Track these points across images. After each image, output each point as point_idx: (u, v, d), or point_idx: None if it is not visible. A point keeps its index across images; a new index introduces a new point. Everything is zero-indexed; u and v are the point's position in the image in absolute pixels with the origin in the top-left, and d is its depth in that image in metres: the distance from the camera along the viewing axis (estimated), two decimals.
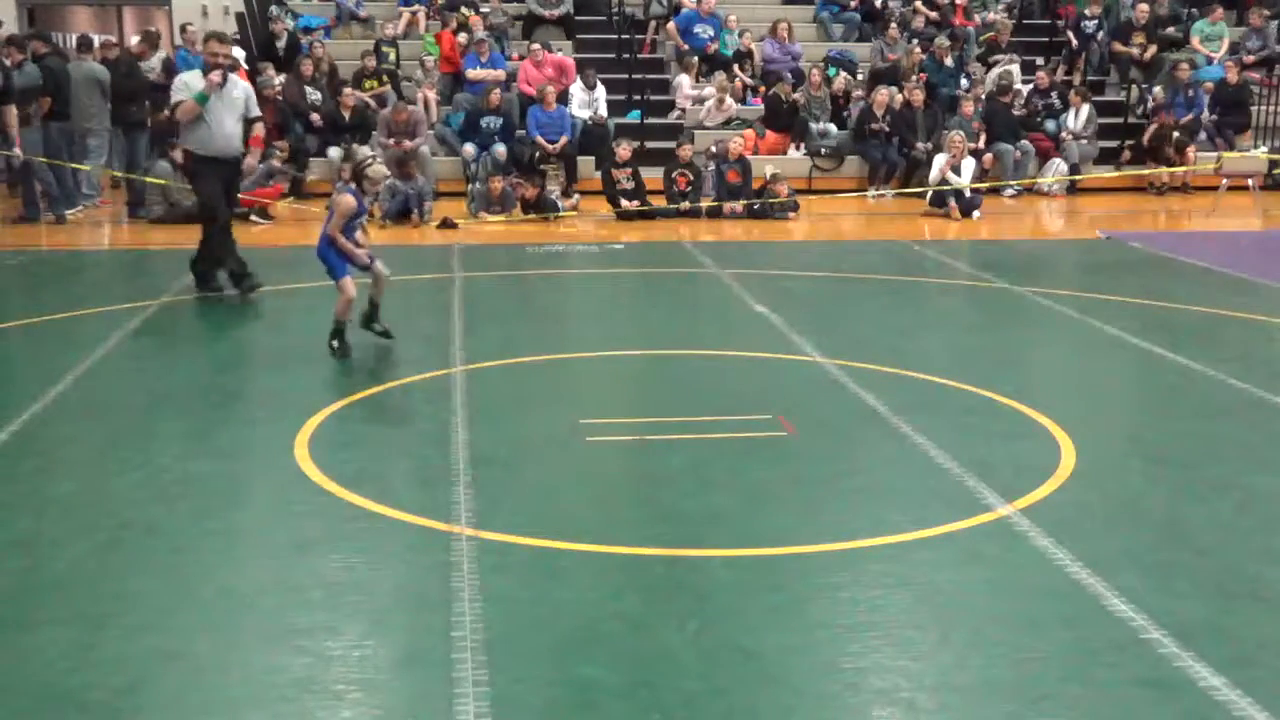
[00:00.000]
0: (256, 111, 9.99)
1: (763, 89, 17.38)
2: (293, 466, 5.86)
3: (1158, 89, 17.36)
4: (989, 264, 11.42)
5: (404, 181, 13.86)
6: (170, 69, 15.65)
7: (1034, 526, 5.12)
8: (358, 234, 8.00)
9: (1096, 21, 18.84)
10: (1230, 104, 17.40)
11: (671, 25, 18.03)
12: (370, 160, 7.79)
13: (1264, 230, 14.48)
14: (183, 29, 16.53)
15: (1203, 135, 17.25)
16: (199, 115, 9.46)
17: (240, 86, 9.88)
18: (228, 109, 9.61)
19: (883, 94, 16.40)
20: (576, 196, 14.96)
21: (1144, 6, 18.51)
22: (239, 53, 16.20)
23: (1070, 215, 15.32)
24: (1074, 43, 18.80)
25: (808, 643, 4.19)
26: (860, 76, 17.67)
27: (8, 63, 12.99)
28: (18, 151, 12.53)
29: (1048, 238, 14.04)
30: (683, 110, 17.26)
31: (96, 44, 15.47)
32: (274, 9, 17.52)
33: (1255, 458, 6.14)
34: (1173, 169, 16.69)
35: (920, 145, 16.13)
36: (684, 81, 17.41)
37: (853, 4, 19.44)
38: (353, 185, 7.81)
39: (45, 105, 13.51)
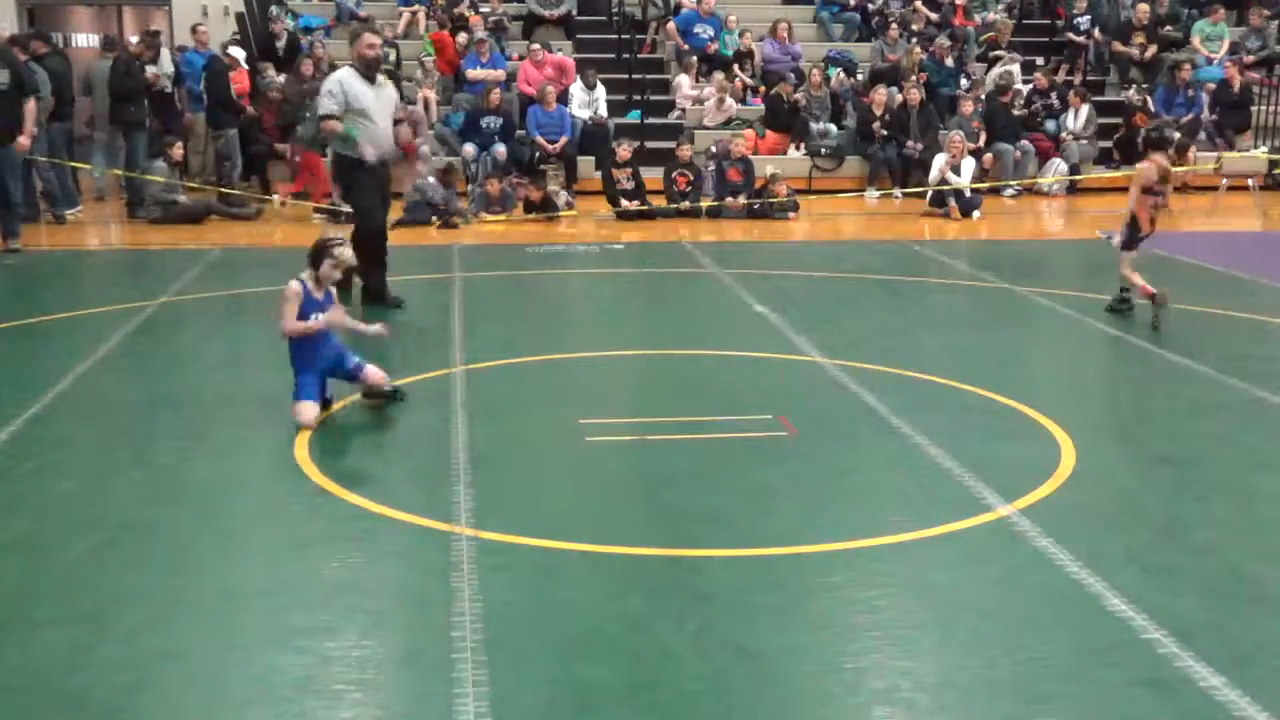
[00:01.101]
0: (401, 112, 9.45)
1: (763, 89, 17.39)
2: (293, 466, 5.86)
3: (1130, 91, 17.37)
4: (989, 264, 11.42)
5: (445, 189, 13.89)
6: (180, 73, 15.66)
7: (1034, 526, 5.12)
8: (332, 312, 6.69)
9: (1089, 18, 18.86)
10: (1230, 104, 17.41)
11: (671, 25, 18.04)
12: (339, 241, 6.69)
13: (1264, 230, 14.48)
14: (193, 30, 16.54)
15: (1203, 135, 17.27)
16: (359, 115, 8.86)
17: (389, 84, 9.31)
18: (385, 109, 9.03)
19: (880, 93, 16.42)
20: (565, 195, 14.95)
21: (1144, 6, 18.52)
22: (239, 53, 16.24)
23: (1070, 215, 15.32)
24: (1076, 41, 18.81)
25: (808, 643, 4.19)
26: (860, 76, 17.69)
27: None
28: (24, 141, 12.35)
29: (1048, 238, 14.04)
30: (683, 110, 17.26)
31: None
32: (274, 9, 17.52)
33: (1255, 458, 6.14)
34: (1171, 169, 16.67)
35: (911, 144, 16.14)
36: (684, 81, 17.41)
37: (852, 3, 19.45)
38: (304, 273, 6.58)
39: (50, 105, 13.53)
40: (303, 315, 6.52)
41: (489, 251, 12.25)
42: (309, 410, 6.44)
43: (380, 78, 9.11)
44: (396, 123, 9.23)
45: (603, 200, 14.68)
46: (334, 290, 6.68)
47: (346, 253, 6.62)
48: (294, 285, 6.55)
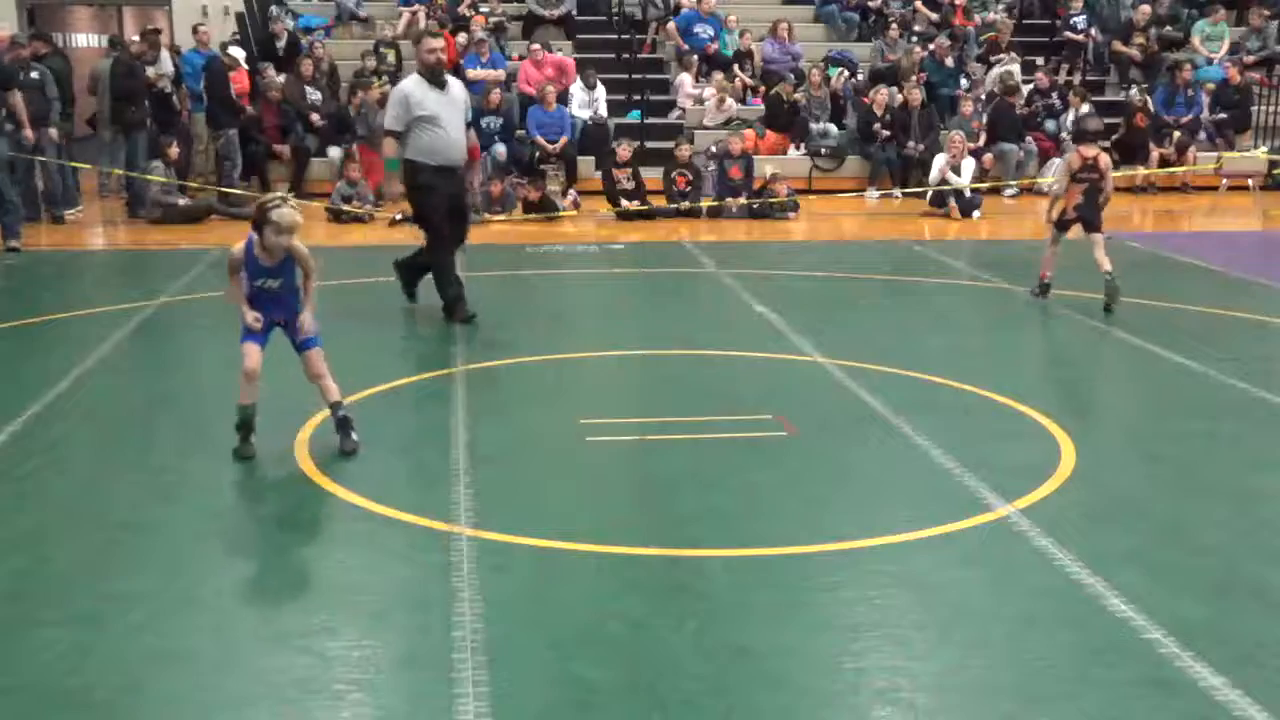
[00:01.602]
0: (470, 115, 9.08)
1: (763, 89, 17.39)
2: (293, 466, 5.86)
3: (1133, 91, 17.38)
4: (989, 264, 11.42)
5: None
6: (179, 73, 15.69)
7: (1034, 526, 5.12)
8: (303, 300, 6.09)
9: (1084, 17, 18.86)
10: (1230, 104, 17.42)
11: (671, 25, 18.04)
12: (277, 202, 5.93)
13: (1264, 230, 14.49)
14: (194, 30, 16.53)
15: (1203, 135, 17.27)
16: (427, 122, 8.53)
17: (460, 87, 8.95)
18: (455, 112, 8.65)
19: (881, 94, 16.42)
20: (572, 195, 14.94)
21: (1145, 8, 18.52)
22: (239, 52, 16.24)
23: None
24: (1074, 40, 18.81)
25: (808, 643, 4.19)
26: (860, 76, 17.69)
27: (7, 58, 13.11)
28: (28, 134, 12.60)
29: (1048, 238, 14.00)
30: (683, 110, 17.26)
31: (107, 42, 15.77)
32: (274, 9, 17.52)
33: (1255, 458, 6.14)
34: (1171, 169, 16.70)
35: (912, 145, 16.15)
36: (684, 81, 17.41)
37: (851, 2, 19.43)
38: (252, 234, 5.98)
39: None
40: (250, 278, 6.02)
41: (489, 251, 12.24)
42: (251, 352, 5.99)
43: (451, 80, 8.78)
44: (469, 125, 8.92)
45: (603, 200, 14.67)
46: (299, 270, 6.05)
47: (285, 213, 5.85)
48: (235, 251, 6.02)
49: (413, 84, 8.70)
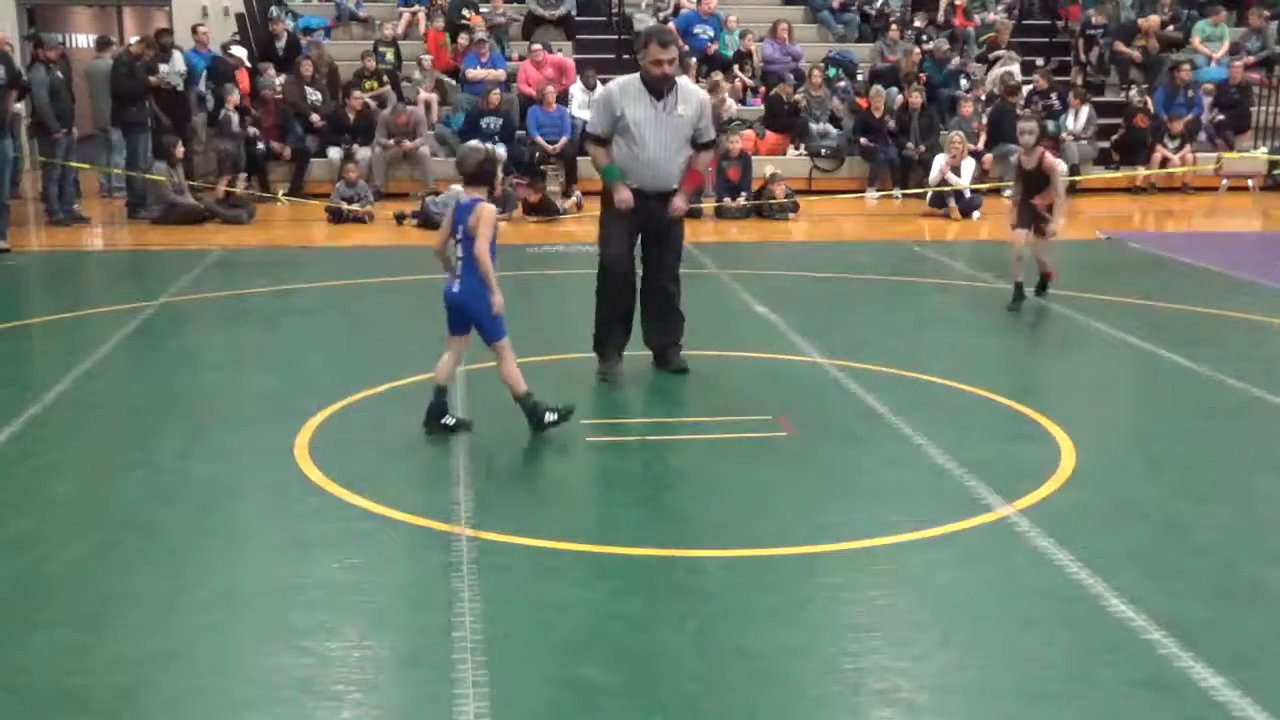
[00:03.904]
0: (710, 134, 7.45)
1: (763, 89, 17.40)
2: (293, 467, 5.86)
3: (1133, 91, 17.39)
4: (989, 264, 11.41)
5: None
6: (213, 73, 15.73)
7: (1034, 526, 5.12)
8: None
9: (1102, 29, 18.88)
10: (1230, 104, 17.42)
11: (671, 26, 18.03)
12: (484, 149, 6.19)
13: (1264, 230, 14.49)
14: (193, 30, 16.52)
15: (1203, 135, 17.28)
16: (623, 134, 7.19)
17: (694, 99, 7.29)
18: (670, 128, 7.18)
19: (878, 96, 16.42)
20: (576, 195, 14.92)
21: (1155, 18, 18.51)
22: (241, 52, 16.24)
23: (1070, 215, 15.26)
24: (1081, 48, 18.83)
25: (808, 643, 4.19)
26: (860, 77, 17.69)
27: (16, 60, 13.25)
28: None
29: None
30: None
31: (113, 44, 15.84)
32: (274, 9, 17.54)
33: (1255, 458, 6.14)
34: (1171, 169, 16.70)
35: (911, 146, 16.14)
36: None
37: (836, 4, 19.40)
38: (480, 195, 6.07)
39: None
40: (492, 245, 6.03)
41: None
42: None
43: (683, 88, 7.28)
44: (703, 146, 7.42)
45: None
46: None
47: (500, 151, 6.15)
48: (492, 207, 6.00)
49: (621, 85, 7.30)
